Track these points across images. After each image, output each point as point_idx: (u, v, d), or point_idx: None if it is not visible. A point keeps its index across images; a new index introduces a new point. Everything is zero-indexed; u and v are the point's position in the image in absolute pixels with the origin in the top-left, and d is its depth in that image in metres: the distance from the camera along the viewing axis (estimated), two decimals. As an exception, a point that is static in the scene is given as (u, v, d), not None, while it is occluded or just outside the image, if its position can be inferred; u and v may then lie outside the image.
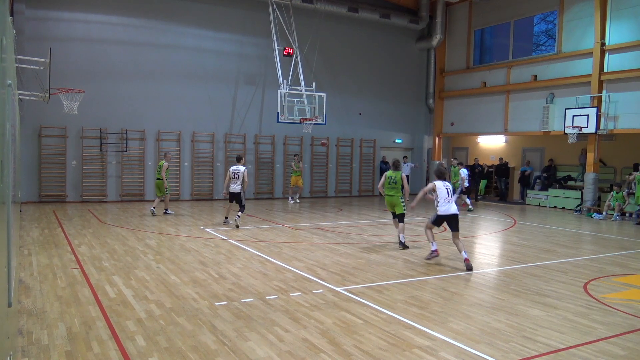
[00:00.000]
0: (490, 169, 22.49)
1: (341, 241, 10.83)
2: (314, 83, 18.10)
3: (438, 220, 8.72)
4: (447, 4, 22.86)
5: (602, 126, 16.96)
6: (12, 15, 14.58)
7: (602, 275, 8.12)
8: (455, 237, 8.61)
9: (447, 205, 8.55)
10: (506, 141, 22.84)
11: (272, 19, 18.19)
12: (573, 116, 17.42)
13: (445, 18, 23.16)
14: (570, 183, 19.58)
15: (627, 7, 16.68)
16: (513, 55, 20.94)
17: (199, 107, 18.93)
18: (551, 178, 19.92)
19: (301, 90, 17.72)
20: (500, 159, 21.93)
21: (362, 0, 21.41)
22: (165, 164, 14.20)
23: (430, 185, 8.85)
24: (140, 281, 7.13)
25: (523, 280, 7.66)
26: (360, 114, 22.53)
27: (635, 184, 15.36)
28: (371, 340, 5.05)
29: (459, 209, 8.91)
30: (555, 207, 19.02)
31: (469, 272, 8.15)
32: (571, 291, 7.11)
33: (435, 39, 22.95)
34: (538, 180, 20.38)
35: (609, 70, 17.09)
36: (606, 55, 17.18)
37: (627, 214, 16.10)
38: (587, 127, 17.00)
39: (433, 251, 8.75)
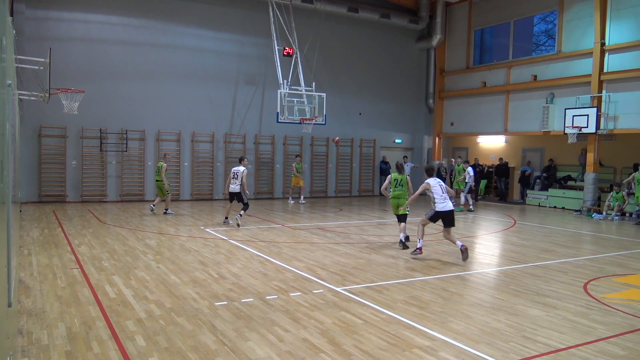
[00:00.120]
0: (490, 169, 22.49)
1: (341, 241, 10.83)
2: (313, 83, 18.10)
3: (435, 217, 9.00)
4: (447, 4, 22.87)
5: (602, 126, 16.96)
6: (12, 15, 14.58)
7: (602, 275, 8.12)
8: (448, 232, 8.99)
9: (444, 202, 8.88)
10: (506, 141, 22.85)
11: (272, 19, 18.18)
12: (573, 116, 17.42)
13: (445, 18, 23.16)
14: (570, 183, 19.59)
15: (627, 7, 16.68)
16: (513, 55, 20.94)
17: (199, 107, 18.93)
18: (551, 178, 19.92)
19: (301, 90, 17.72)
20: (500, 159, 21.93)
21: (362, 0, 21.41)
22: (164, 165, 14.22)
23: (424, 185, 9.12)
24: (140, 281, 7.13)
25: (523, 280, 7.66)
26: (360, 114, 22.53)
27: (635, 184, 15.36)
28: (371, 340, 5.05)
29: (454, 204, 9.19)
30: (555, 207, 19.02)
31: (469, 272, 8.17)
32: (571, 291, 7.11)
33: (435, 39, 22.95)
34: (538, 180, 20.38)
35: (609, 70, 17.09)
36: (606, 55, 17.18)
37: (627, 214, 16.10)
38: (587, 127, 17.00)
39: (418, 247, 9.06)
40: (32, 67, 11.57)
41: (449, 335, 5.22)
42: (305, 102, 17.74)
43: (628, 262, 9.34)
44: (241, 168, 12.39)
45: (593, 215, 16.41)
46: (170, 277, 7.41)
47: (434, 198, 8.93)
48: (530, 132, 20.14)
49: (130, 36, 17.81)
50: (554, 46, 19.23)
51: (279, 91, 17.45)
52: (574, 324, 5.68)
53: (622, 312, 6.15)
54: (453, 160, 23.22)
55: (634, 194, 15.48)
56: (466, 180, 17.08)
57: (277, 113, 17.33)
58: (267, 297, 6.45)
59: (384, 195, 10.53)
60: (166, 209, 14.48)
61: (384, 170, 22.14)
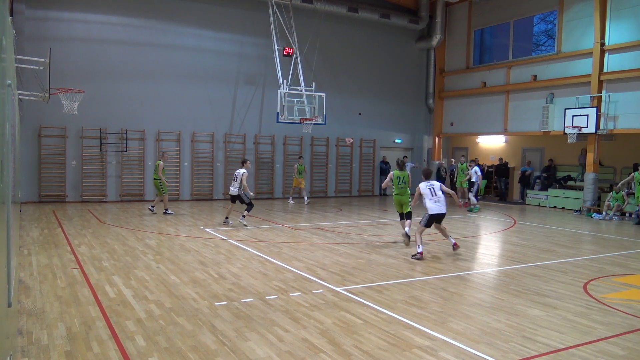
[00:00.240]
0: (490, 169, 22.48)
1: (341, 241, 10.83)
2: (313, 83, 18.09)
3: (430, 221, 9.27)
4: (447, 4, 22.87)
5: (601, 126, 16.96)
6: (12, 15, 14.57)
7: (602, 275, 8.12)
8: (438, 227, 9.52)
9: (436, 205, 9.18)
10: (506, 141, 22.85)
11: (272, 19, 18.18)
12: (573, 116, 17.42)
13: (445, 18, 23.16)
14: (570, 183, 19.59)
15: (627, 7, 16.68)
16: (513, 55, 20.94)
17: (198, 107, 18.93)
18: (551, 178, 19.92)
19: (301, 90, 17.71)
20: (500, 159, 21.93)
21: (362, 0, 21.41)
22: (161, 163, 14.26)
23: (417, 190, 9.46)
24: (140, 281, 7.13)
25: (523, 280, 7.66)
26: (360, 114, 22.53)
27: (634, 183, 15.36)
28: (371, 340, 5.05)
29: (446, 206, 9.45)
30: (555, 207, 19.02)
31: (469, 272, 8.18)
32: (571, 291, 7.11)
33: (435, 39, 22.95)
34: (538, 180, 20.38)
35: (609, 70, 17.09)
36: (606, 55, 17.18)
37: (626, 214, 16.10)
38: (586, 127, 17.00)
39: (418, 252, 9.11)
40: (32, 67, 11.57)
41: (449, 335, 5.22)
42: (305, 102, 17.74)
43: (628, 262, 9.34)
44: (241, 171, 12.42)
45: (593, 215, 16.41)
46: (170, 277, 7.41)
47: (425, 201, 9.30)
48: (530, 132, 20.14)
49: (130, 36, 17.81)
50: (554, 46, 19.23)
51: (278, 91, 17.45)
52: (573, 324, 5.68)
53: (622, 312, 6.15)
54: (453, 160, 23.28)
55: (633, 194, 15.48)
56: (473, 180, 17.02)
57: (277, 113, 17.32)
58: (267, 297, 6.45)
59: (384, 189, 10.84)
60: (166, 209, 14.48)
61: (384, 170, 22.15)
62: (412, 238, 9.97)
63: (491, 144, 23.42)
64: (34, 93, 12.18)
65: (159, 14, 18.19)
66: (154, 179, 14.45)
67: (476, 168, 17.18)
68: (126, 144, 17.69)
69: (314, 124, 17.80)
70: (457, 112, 23.28)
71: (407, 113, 24.02)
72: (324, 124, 18.15)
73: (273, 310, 5.94)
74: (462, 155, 19.93)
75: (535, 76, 19.58)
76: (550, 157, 20.50)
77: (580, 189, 18.44)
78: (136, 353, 4.61)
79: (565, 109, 17.78)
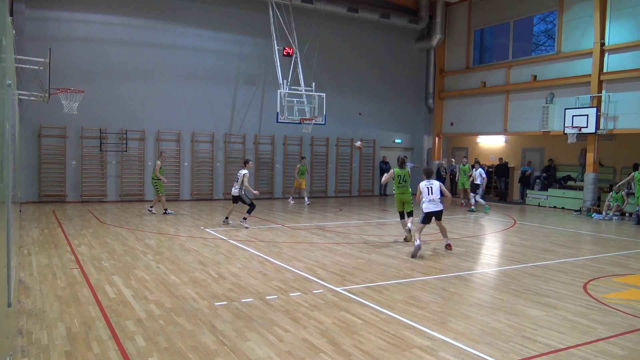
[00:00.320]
0: (490, 169, 22.47)
1: (341, 241, 10.83)
2: (313, 83, 18.09)
3: (426, 219, 9.50)
4: (447, 4, 22.87)
5: (601, 126, 16.96)
6: (11, 15, 14.57)
7: (601, 275, 8.12)
8: (439, 224, 9.74)
9: (431, 204, 9.43)
10: (506, 141, 22.84)
11: (272, 19, 18.18)
12: (573, 116, 17.42)
13: (445, 18, 23.16)
14: (570, 183, 19.59)
15: (627, 7, 16.68)
16: (513, 55, 20.94)
17: (198, 107, 18.93)
18: (551, 178, 19.92)
19: (301, 90, 17.71)
20: (500, 159, 21.93)
21: (362, 0, 21.41)
22: (158, 162, 14.28)
23: (418, 189, 9.68)
24: (140, 281, 7.13)
25: (523, 280, 7.66)
26: (360, 114, 22.53)
27: (634, 183, 15.36)
28: (371, 340, 5.05)
29: (442, 206, 9.70)
30: (555, 207, 19.02)
31: (469, 272, 8.18)
32: (571, 291, 7.11)
33: (435, 39, 22.95)
34: (538, 180, 20.38)
35: (609, 70, 17.09)
36: (606, 55, 17.18)
37: (626, 214, 16.10)
38: (586, 127, 17.00)
39: (417, 245, 9.29)
40: (32, 67, 11.58)
41: (449, 335, 5.22)
42: (305, 102, 17.74)
43: (628, 262, 9.34)
44: (243, 171, 12.39)
45: (593, 215, 16.42)
46: (170, 277, 7.41)
47: (422, 199, 9.53)
48: (530, 132, 20.14)
49: (130, 36, 17.81)
50: (554, 46, 19.23)
51: (278, 91, 17.45)
52: (573, 324, 5.68)
53: (621, 312, 6.15)
54: (453, 160, 23.29)
55: (633, 194, 15.48)
56: (477, 182, 16.90)
57: (277, 113, 17.32)
58: (267, 297, 6.45)
59: (384, 189, 11.07)
60: (165, 209, 14.48)
61: (384, 170, 22.11)
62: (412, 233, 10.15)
63: (491, 144, 23.42)
64: (34, 93, 12.18)
65: (159, 14, 18.19)
66: (152, 178, 14.49)
67: (481, 170, 17.02)
68: (126, 144, 17.69)
69: (314, 124, 17.80)
70: (457, 112, 23.28)
71: (407, 113, 24.02)
72: (324, 124, 18.15)
73: (273, 310, 5.94)
74: (464, 157, 19.90)
75: (535, 76, 19.58)
76: (550, 157, 20.50)
77: (580, 189, 18.44)
78: (136, 353, 4.61)
79: (565, 109, 17.78)
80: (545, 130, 19.01)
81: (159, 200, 14.46)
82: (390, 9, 22.07)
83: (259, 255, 9.06)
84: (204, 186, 19.33)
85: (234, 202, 12.71)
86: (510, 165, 21.97)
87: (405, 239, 10.71)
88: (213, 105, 19.18)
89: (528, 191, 20.36)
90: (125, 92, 17.66)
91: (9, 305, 3.79)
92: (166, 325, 5.35)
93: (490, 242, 11.69)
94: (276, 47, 18.02)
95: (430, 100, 23.87)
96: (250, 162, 12.87)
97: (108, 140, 17.47)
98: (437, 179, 10.94)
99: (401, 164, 10.55)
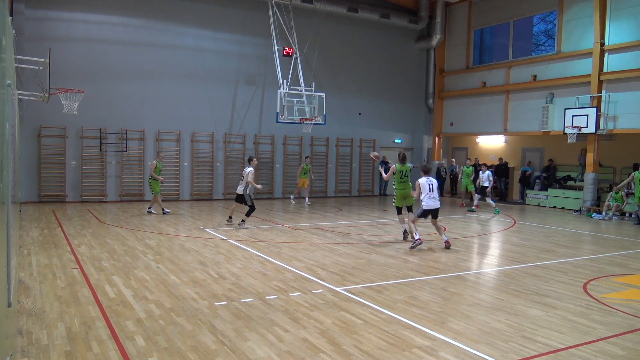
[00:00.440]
0: (490, 169, 22.43)
1: (341, 241, 10.83)
2: (313, 83, 18.09)
3: (424, 214, 9.84)
4: (447, 4, 22.87)
5: (601, 126, 16.97)
6: (11, 15, 14.57)
7: (601, 275, 8.12)
8: (434, 222, 9.99)
9: (431, 200, 9.74)
10: (506, 141, 22.85)
11: (271, 19, 18.18)
12: (573, 116, 17.43)
13: (445, 18, 23.17)
14: (570, 183, 19.59)
15: (627, 7, 16.68)
16: (513, 55, 20.94)
17: (198, 107, 18.93)
18: (551, 178, 19.92)
19: (301, 90, 17.71)
20: (500, 159, 21.94)
21: (362, 0, 21.41)
22: (154, 162, 14.32)
23: (417, 184, 10.00)
24: (140, 281, 7.13)
25: (523, 280, 7.66)
26: (360, 114, 22.53)
27: (634, 183, 15.36)
28: (371, 340, 5.05)
29: (441, 204, 10.07)
30: (555, 207, 19.02)
31: (469, 272, 8.18)
32: (571, 291, 7.11)
33: (435, 39, 22.95)
34: (538, 180, 20.38)
35: (609, 70, 17.09)
36: (606, 55, 17.18)
37: (626, 214, 16.10)
38: (586, 127, 17.01)
39: (417, 239, 9.65)
40: (31, 67, 11.58)
41: (449, 335, 5.22)
42: (305, 102, 17.73)
43: (628, 262, 9.34)
44: (248, 169, 12.37)
45: (593, 215, 16.42)
46: (170, 277, 7.41)
47: (422, 195, 9.81)
48: (530, 132, 20.14)
49: (130, 36, 17.81)
50: (554, 46, 19.23)
51: (278, 91, 17.45)
52: (573, 324, 5.68)
53: (621, 312, 6.15)
54: (453, 160, 23.29)
55: (633, 194, 15.48)
56: (485, 185, 16.79)
57: (277, 113, 17.32)
58: (267, 297, 6.45)
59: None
60: (163, 209, 14.47)
61: (384, 170, 22.09)
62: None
63: (491, 144, 23.42)
64: (34, 93, 12.18)
65: (159, 14, 18.19)
66: (148, 178, 14.55)
67: (488, 172, 16.87)
68: (126, 144, 17.69)
69: (314, 124, 17.80)
70: (457, 112, 23.28)
71: (407, 113, 24.02)
72: (324, 124, 18.15)
73: (273, 310, 5.94)
74: (468, 159, 19.85)
75: (535, 76, 19.58)
76: (550, 157, 20.51)
77: (580, 189, 18.44)
78: (136, 353, 4.61)
79: (565, 109, 17.79)
80: (545, 130, 19.01)
81: (156, 201, 14.45)
82: (390, 9, 22.07)
83: (259, 255, 9.06)
84: (203, 186, 19.33)
85: (236, 201, 12.68)
86: (510, 165, 21.97)
87: (405, 236, 10.84)
88: (213, 105, 19.18)
89: (528, 191, 20.36)
90: (125, 92, 17.66)
91: (9, 305, 3.79)
92: (166, 325, 5.35)
93: (490, 242, 11.69)
94: (276, 47, 18.02)
95: (430, 100, 23.87)
96: (254, 159, 12.83)
97: (108, 140, 17.47)
98: (437, 180, 11.07)
99: (402, 159, 10.70)
